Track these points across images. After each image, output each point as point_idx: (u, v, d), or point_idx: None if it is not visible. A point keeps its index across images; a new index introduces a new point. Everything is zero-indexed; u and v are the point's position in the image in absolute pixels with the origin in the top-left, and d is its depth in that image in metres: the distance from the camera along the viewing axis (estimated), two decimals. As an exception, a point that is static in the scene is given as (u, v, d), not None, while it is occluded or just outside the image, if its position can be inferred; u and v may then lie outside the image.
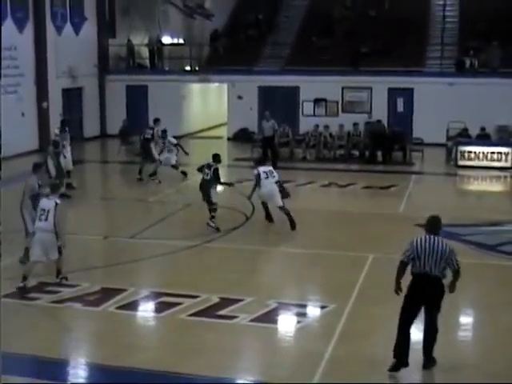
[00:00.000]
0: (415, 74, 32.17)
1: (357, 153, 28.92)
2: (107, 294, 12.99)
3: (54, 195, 13.50)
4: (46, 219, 13.05)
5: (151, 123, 25.40)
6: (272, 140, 27.26)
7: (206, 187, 17.28)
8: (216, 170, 17.23)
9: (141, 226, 17.12)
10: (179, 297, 12.73)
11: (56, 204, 13.11)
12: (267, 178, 17.51)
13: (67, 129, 23.04)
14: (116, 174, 21.18)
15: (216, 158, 17.56)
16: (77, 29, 33.71)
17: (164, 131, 23.81)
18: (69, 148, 21.98)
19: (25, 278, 13.16)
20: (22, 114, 29.70)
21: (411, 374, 10.04)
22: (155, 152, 23.81)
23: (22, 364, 10.49)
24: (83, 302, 12.62)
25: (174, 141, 23.98)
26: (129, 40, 36.61)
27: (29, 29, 30.16)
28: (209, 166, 17.31)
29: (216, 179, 17.29)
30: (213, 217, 17.27)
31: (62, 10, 32.56)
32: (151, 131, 24.36)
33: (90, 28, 34.58)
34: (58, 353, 10.74)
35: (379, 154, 27.75)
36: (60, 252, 13.21)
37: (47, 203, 13.20)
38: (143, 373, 10.04)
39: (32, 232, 13.67)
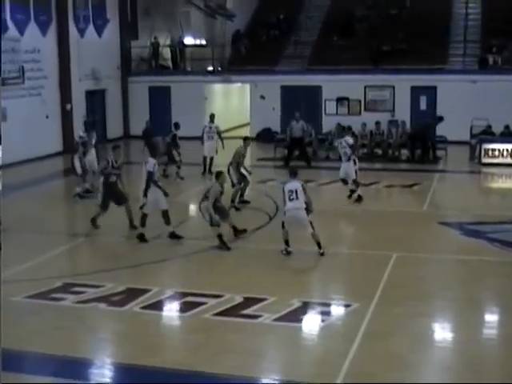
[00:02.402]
0: (438, 72, 32.02)
1: (379, 151, 28.86)
2: (132, 294, 13.06)
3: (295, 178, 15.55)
4: (297, 198, 15.12)
5: (172, 127, 25.61)
6: (302, 141, 27.26)
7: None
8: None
9: (165, 226, 17.17)
10: (203, 296, 12.78)
11: (301, 185, 15.38)
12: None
13: (91, 129, 23.31)
14: (139, 175, 21.17)
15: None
16: (99, 31, 33.93)
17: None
18: (93, 149, 22.13)
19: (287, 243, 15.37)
20: (46, 117, 29.98)
21: (437, 373, 10.03)
22: (176, 154, 24.14)
23: (46, 363, 10.58)
24: (108, 302, 12.69)
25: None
26: (155, 38, 36.69)
27: (52, 31, 30.40)
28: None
29: None
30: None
31: (85, 13, 32.76)
32: (171, 135, 24.73)
33: (112, 30, 34.81)
34: (83, 352, 10.81)
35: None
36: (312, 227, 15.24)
37: (294, 185, 15.27)
38: (168, 373, 10.08)
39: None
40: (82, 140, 21.95)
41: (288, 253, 15.45)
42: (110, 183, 17.20)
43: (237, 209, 19.48)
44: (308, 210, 15.34)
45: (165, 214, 16.47)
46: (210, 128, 25.01)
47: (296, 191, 15.25)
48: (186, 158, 24.90)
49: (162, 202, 16.41)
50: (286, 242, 15.49)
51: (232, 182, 19.70)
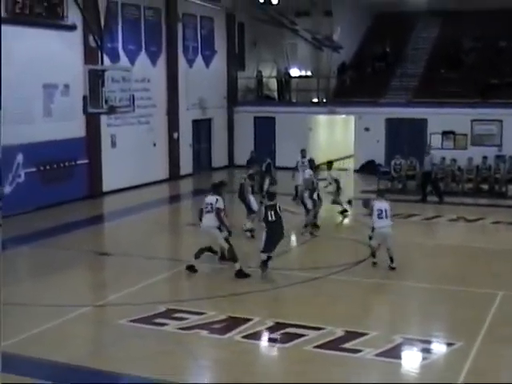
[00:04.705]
0: (548, 106, 31.23)
1: (486, 187, 28.30)
2: (233, 322, 13.17)
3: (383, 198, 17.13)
4: (386, 217, 16.47)
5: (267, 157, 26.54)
6: (430, 175, 26.92)
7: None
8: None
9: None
10: (304, 328, 12.76)
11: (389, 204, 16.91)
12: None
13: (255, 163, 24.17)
14: (241, 204, 21.52)
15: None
16: (207, 61, 34.62)
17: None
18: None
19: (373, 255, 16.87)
20: (154, 144, 30.66)
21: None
22: (267, 183, 24.50)
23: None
24: (210, 330, 12.82)
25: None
26: (259, 71, 37.26)
27: (161, 62, 31.18)
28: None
29: None
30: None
31: (194, 44, 33.52)
32: (266, 163, 25.86)
33: (219, 61, 35.46)
34: (184, 378, 10.97)
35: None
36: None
37: (383, 204, 16.67)
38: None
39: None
40: (253, 174, 21.68)
41: (374, 264, 16.95)
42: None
43: (312, 234, 20.24)
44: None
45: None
46: (303, 163, 25.23)
47: (385, 210, 16.59)
48: (286, 189, 24.88)
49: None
50: (373, 255, 17.06)
51: (306, 208, 20.80)
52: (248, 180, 20.84)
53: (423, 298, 15.13)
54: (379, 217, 16.56)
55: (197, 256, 16.52)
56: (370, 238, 17.35)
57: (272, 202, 16.72)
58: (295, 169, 25.28)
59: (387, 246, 16.72)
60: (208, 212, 16.21)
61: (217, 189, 16.70)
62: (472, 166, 28.93)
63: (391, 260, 16.63)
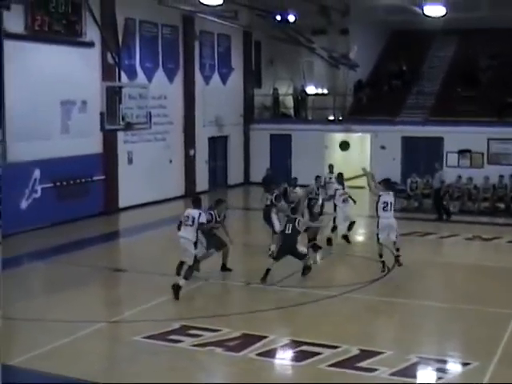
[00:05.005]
0: None
1: (502, 205, 28.18)
2: (248, 340, 13.12)
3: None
4: (390, 210, 17.43)
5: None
6: (439, 192, 26.90)
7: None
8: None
9: (282, 274, 17.25)
10: (319, 346, 12.71)
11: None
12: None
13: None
14: (258, 221, 21.57)
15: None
16: (224, 79, 34.77)
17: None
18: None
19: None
20: (170, 161, 30.76)
21: None
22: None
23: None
24: (224, 347, 12.78)
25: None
26: (275, 89, 37.41)
27: (178, 79, 31.35)
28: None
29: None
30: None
31: (211, 61, 33.69)
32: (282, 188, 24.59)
33: (236, 78, 35.61)
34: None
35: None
36: None
37: (389, 197, 17.62)
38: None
39: None
40: (276, 194, 20.96)
41: (383, 263, 17.72)
42: (212, 234, 17.47)
43: (319, 246, 20.10)
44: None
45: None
46: (330, 178, 25.01)
47: (390, 203, 17.49)
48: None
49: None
50: (381, 256, 17.69)
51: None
52: (275, 201, 20.47)
53: (438, 317, 15.06)
54: (384, 209, 17.46)
55: (187, 275, 16.06)
56: (378, 237, 17.75)
57: (294, 216, 17.39)
58: (322, 185, 24.95)
59: (393, 238, 17.61)
60: (189, 225, 16.03)
61: (197, 203, 16.54)
62: (488, 184, 28.86)
63: (397, 250, 17.67)
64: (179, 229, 16.30)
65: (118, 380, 11.37)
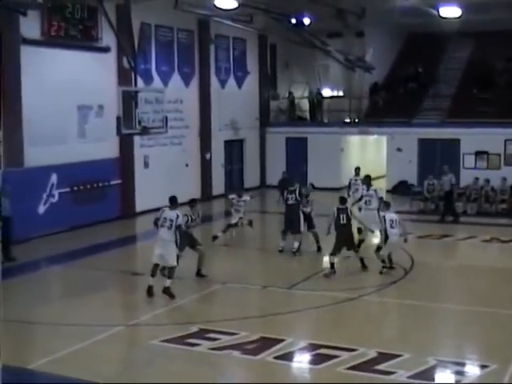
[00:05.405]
0: None
1: (520, 207, 28.06)
2: (266, 343, 13.11)
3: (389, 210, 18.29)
4: (396, 226, 17.64)
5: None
6: (450, 194, 26.76)
7: None
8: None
9: (299, 277, 17.23)
10: (337, 349, 12.67)
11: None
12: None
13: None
14: (274, 225, 21.55)
15: None
16: (239, 82, 34.80)
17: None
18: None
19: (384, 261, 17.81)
20: (186, 165, 30.80)
21: None
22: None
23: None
24: (242, 350, 12.77)
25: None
26: (290, 93, 37.46)
27: (194, 83, 31.40)
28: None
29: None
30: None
31: (226, 65, 33.74)
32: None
33: (252, 82, 35.62)
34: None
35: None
36: None
37: (393, 215, 17.89)
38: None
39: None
40: (299, 190, 20.98)
41: (392, 268, 17.99)
42: (189, 234, 17.66)
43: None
44: (405, 239, 18.03)
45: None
46: (356, 180, 24.68)
47: (396, 221, 17.70)
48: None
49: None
50: (384, 261, 17.87)
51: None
52: (298, 197, 20.53)
53: (456, 320, 14.99)
54: (391, 226, 17.66)
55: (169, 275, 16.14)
56: (379, 248, 17.94)
57: (343, 206, 17.89)
58: (348, 187, 24.88)
59: (394, 252, 18.10)
60: (167, 227, 16.05)
61: (174, 203, 16.62)
62: (506, 186, 28.72)
63: (390, 261, 18.01)
64: (156, 224, 16.38)
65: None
